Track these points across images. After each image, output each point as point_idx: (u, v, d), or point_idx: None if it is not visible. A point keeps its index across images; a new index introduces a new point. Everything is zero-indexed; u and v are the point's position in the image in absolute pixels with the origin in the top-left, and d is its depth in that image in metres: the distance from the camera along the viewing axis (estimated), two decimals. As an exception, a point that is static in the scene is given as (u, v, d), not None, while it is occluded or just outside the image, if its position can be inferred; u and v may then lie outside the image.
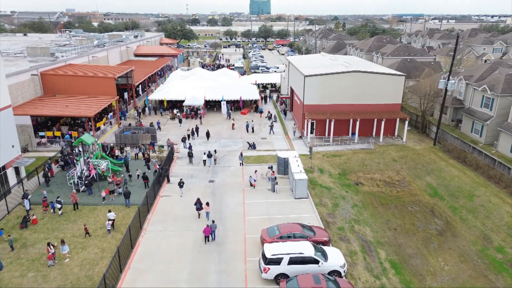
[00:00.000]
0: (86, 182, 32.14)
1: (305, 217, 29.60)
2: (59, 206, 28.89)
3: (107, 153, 40.39)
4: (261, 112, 58.81)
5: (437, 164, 40.48)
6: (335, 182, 36.39)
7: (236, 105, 62.29)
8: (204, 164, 40.38)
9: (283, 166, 37.19)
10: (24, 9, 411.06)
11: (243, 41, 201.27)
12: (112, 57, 76.00)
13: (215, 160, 41.16)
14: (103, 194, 30.81)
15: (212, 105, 62.70)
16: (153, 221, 28.92)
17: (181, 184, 32.69)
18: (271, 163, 39.87)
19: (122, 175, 33.87)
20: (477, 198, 33.44)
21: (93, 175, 33.30)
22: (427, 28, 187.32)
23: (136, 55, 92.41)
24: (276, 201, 32.30)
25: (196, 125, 49.49)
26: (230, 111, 58.45)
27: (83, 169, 33.23)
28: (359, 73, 45.55)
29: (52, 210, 29.32)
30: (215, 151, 42.72)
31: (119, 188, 32.44)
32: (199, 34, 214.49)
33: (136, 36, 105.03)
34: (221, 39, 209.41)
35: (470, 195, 34.08)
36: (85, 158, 33.57)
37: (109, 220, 27.57)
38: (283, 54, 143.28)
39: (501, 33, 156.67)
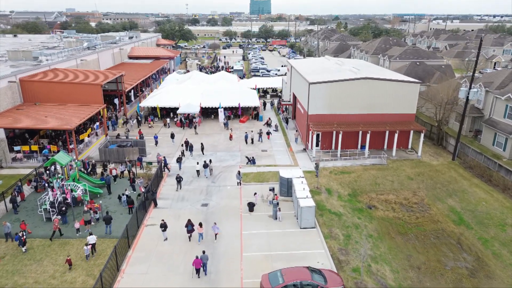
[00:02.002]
0: (60, 209, 27.75)
1: (313, 254, 25.22)
2: (22, 243, 24.51)
3: (89, 171, 36.06)
4: (268, 132, 49.07)
5: (459, 184, 36.09)
6: (346, 206, 32.01)
7: (235, 112, 57.96)
8: (198, 175, 37.14)
9: (286, 187, 32.83)
10: (24, 9, 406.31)
11: (242, 41, 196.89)
12: (103, 60, 71.63)
13: (211, 170, 37.74)
14: (77, 225, 26.42)
15: (208, 112, 58.38)
16: (133, 259, 24.55)
17: (163, 227, 26.47)
18: (273, 182, 35.58)
19: (100, 202, 29.42)
20: (510, 228, 29.05)
21: (69, 200, 28.92)
22: (432, 28, 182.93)
23: (130, 58, 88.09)
24: (279, 231, 27.93)
25: (187, 140, 43.43)
26: (228, 120, 54.08)
27: (57, 194, 28.83)
28: (369, 80, 41.17)
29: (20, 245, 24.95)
30: (210, 160, 38.97)
31: (97, 214, 28.07)
32: (198, 35, 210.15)
33: (131, 37, 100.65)
34: (220, 40, 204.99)
35: (502, 223, 29.69)
36: (59, 180, 29.17)
37: (87, 245, 24.00)
38: (284, 56, 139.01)
39: (508, 33, 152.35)
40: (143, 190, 31.54)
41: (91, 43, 71.61)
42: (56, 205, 28.22)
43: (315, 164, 37.27)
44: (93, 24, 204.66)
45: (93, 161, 36.49)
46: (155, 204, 31.21)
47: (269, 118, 55.65)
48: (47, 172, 32.09)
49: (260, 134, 47.73)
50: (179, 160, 38.23)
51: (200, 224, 26.69)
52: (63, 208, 27.70)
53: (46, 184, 31.09)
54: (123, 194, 30.72)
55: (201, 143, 43.37)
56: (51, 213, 27.96)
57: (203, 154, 42.16)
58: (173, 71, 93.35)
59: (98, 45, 75.18)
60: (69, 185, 29.30)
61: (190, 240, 26.53)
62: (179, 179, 33.91)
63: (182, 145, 42.59)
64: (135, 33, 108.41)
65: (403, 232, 28.87)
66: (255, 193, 31.97)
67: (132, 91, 63.14)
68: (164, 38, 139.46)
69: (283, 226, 28.57)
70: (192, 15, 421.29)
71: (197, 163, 38.28)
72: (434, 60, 77.58)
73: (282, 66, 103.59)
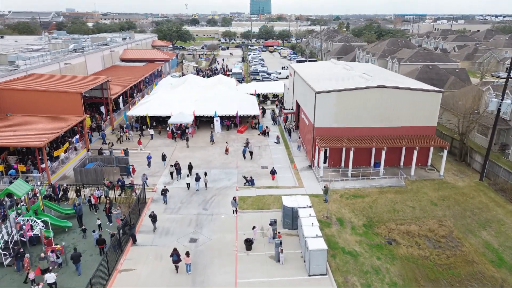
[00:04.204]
0: (18, 251, 22.60)
1: (326, 315, 20.11)
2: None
3: (60, 196, 30.90)
4: (273, 172, 36.55)
5: (492, 212, 30.92)
6: (362, 242, 26.85)
7: (233, 120, 52.81)
8: (188, 188, 33.59)
9: (291, 218, 27.70)
10: (24, 9, 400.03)
11: (242, 42, 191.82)
12: (91, 64, 66.67)
13: (206, 184, 34.01)
14: (32, 275, 21.18)
15: (204, 121, 53.29)
16: (99, 323, 19.45)
17: None
18: (274, 210, 30.47)
19: (63, 244, 24.20)
20: None
21: (27, 239, 23.80)
22: (439, 29, 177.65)
23: (122, 60, 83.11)
24: (283, 279, 22.76)
25: (178, 163, 36.64)
26: (217, 132, 49.43)
27: (13, 231, 23.73)
28: (385, 88, 36.06)
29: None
30: (205, 173, 34.78)
31: (59, 259, 22.93)
32: (196, 35, 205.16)
33: (124, 39, 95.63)
34: (219, 40, 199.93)
35: (553, 267, 24.54)
36: (16, 214, 24.05)
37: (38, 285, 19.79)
38: (285, 57, 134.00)
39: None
40: (115, 227, 26.33)
41: (78, 45, 66.55)
42: (11, 246, 23.10)
43: (324, 187, 32.15)
44: (90, 24, 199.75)
45: (65, 185, 31.26)
46: (134, 241, 26.08)
47: (267, 127, 50.65)
48: (4, 203, 26.87)
49: (247, 144, 42.85)
50: (164, 192, 31.37)
51: (187, 254, 23.10)
52: (21, 250, 22.58)
53: (4, 217, 25.96)
54: (93, 231, 25.55)
55: (189, 163, 37.00)
56: (2, 256, 22.80)
57: (190, 174, 35.79)
58: (168, 74, 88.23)
59: (86, 47, 70.08)
60: (27, 219, 24.13)
61: (177, 272, 23.15)
62: (153, 218, 27.43)
63: (171, 166, 36.55)
64: (128, 34, 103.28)
65: (433, 278, 23.72)
66: (254, 227, 26.82)
67: (121, 97, 58.03)
68: (161, 39, 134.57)
69: (288, 272, 23.42)
70: (192, 15, 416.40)
71: (188, 175, 34.65)
72: (447, 63, 72.48)
73: (282, 68, 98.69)
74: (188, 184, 34.08)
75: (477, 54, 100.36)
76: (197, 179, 33.79)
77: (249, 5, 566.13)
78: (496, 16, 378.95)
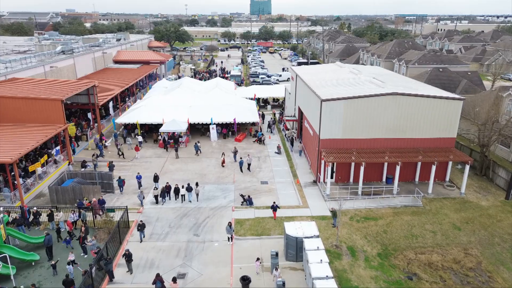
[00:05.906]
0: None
1: None
2: None
3: (31, 221, 27.04)
4: (274, 208, 29.21)
5: (525, 238, 27.09)
6: (378, 278, 22.99)
7: (230, 128, 48.98)
8: (183, 201, 31.43)
9: (295, 248, 23.86)
10: (23, 10, 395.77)
11: (241, 43, 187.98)
12: (81, 66, 62.88)
13: (197, 195, 31.55)
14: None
15: (203, 129, 49.50)
16: None
17: None
18: (276, 236, 26.66)
19: (22, 287, 20.27)
20: None
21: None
22: (443, 29, 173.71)
23: (116, 62, 79.35)
24: (286, 331, 18.96)
25: (169, 185, 32.02)
26: (213, 141, 45.96)
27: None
28: (399, 96, 32.21)
29: None
30: (196, 184, 32.21)
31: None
32: (195, 36, 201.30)
33: (118, 39, 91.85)
34: (219, 41, 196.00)
35: None
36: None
37: None
38: (285, 58, 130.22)
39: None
40: (91, 259, 22.50)
41: (66, 47, 62.68)
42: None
43: (331, 210, 28.29)
44: (88, 25, 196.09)
45: (35, 208, 27.35)
46: (111, 278, 22.24)
47: (262, 134, 46.86)
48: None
49: (235, 153, 40.07)
50: (140, 228, 25.78)
51: (174, 280, 20.85)
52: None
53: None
54: (68, 263, 21.71)
55: (176, 185, 31.80)
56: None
57: (176, 198, 31.58)
58: (163, 76, 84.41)
59: (76, 48, 66.24)
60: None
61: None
62: (128, 258, 22.84)
63: (154, 189, 31.87)
64: (123, 34, 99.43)
65: (465, 326, 19.91)
66: (258, 259, 22.93)
67: (111, 102, 54.15)
68: (158, 40, 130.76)
69: (292, 320, 19.62)
70: (191, 16, 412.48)
71: (182, 186, 31.63)
72: (457, 65, 68.61)
73: (283, 69, 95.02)
74: (183, 196, 31.45)
75: (485, 55, 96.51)
76: (189, 189, 31.15)
77: (249, 6, 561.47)
78: (498, 17, 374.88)
